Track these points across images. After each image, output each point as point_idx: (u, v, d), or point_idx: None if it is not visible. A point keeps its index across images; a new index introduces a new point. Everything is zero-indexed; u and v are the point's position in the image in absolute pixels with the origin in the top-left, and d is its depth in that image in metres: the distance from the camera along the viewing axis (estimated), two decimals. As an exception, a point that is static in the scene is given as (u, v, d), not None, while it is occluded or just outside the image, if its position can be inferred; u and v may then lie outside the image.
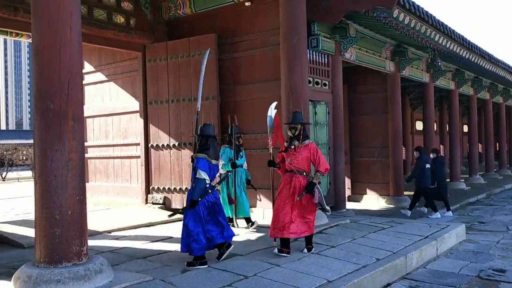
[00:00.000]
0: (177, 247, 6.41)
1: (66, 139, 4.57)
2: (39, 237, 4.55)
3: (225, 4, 8.83)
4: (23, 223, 7.88)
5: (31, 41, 9.31)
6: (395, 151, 12.45)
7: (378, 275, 5.36)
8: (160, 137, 9.64)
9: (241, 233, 7.30)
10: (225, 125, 9.04)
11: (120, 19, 9.35)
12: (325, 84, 9.65)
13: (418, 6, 9.58)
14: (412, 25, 9.75)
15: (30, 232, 7.00)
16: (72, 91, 4.63)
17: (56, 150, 4.52)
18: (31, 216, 8.61)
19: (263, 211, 8.52)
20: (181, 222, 8.48)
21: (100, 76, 10.92)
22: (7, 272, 5.08)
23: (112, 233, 7.52)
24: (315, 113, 9.33)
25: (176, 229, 7.83)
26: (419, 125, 21.44)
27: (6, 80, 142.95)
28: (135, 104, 10.16)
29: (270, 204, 8.41)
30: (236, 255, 5.83)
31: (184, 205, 9.05)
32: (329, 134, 9.68)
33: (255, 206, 8.70)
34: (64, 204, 4.53)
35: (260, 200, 8.68)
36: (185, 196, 9.25)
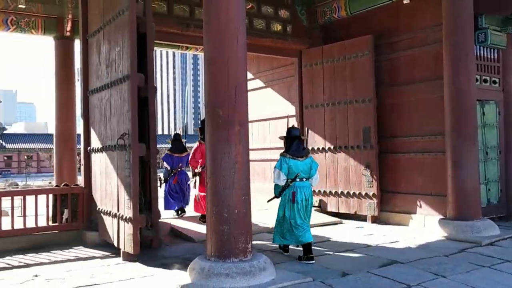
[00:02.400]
0: (336, 249, 6.45)
1: (233, 143, 4.92)
2: (210, 233, 4.96)
3: (382, 4, 8.59)
4: (193, 219, 8.62)
5: (198, 53, 10.26)
6: None
7: None
8: (315, 140, 9.76)
9: (400, 239, 7.03)
10: (383, 128, 8.81)
11: (277, 27, 9.72)
12: (494, 82, 8.77)
13: None
14: None
15: (198, 228, 7.69)
16: (239, 98, 4.96)
17: (224, 153, 4.89)
18: (198, 213, 9.41)
19: (424, 218, 8.09)
20: (337, 225, 8.56)
21: (258, 83, 11.48)
22: (183, 263, 5.64)
23: (272, 233, 7.80)
24: (483, 113, 8.53)
25: (333, 232, 7.89)
26: None
27: (174, 90, 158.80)
28: (291, 109, 10.44)
29: (432, 211, 7.98)
30: (396, 262, 5.63)
31: (339, 208, 9.10)
32: (500, 137, 8.77)
33: (414, 213, 8.30)
34: (231, 204, 4.87)
35: (420, 206, 8.24)
36: (340, 199, 9.23)
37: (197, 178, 8.41)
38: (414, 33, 8.47)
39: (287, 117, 7.42)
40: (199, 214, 8.54)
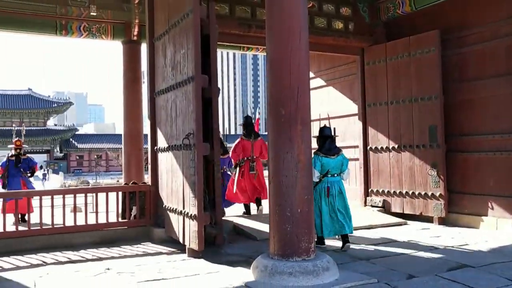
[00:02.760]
0: (400, 251, 6.29)
1: (296, 142, 4.92)
2: (273, 232, 4.99)
3: (449, -3, 8.28)
4: (255, 218, 8.70)
5: (258, 53, 10.35)
6: None
7: None
8: (378, 139, 9.56)
9: (470, 242, 6.73)
10: (450, 126, 8.48)
11: (339, 25, 9.61)
12: None
13: None
14: None
15: (260, 226, 7.75)
16: (301, 97, 4.96)
17: (287, 152, 4.91)
18: (262, 211, 9.49)
19: (496, 221, 7.69)
20: (402, 227, 8.33)
21: (319, 82, 11.39)
22: (245, 261, 5.72)
23: (333, 233, 7.74)
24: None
25: (397, 232, 7.69)
26: None
27: (234, 90, 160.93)
28: (353, 107, 10.29)
29: (505, 214, 7.58)
30: (467, 266, 5.40)
31: (404, 209, 8.85)
32: None
33: (485, 215, 7.92)
34: (294, 203, 4.87)
35: (492, 208, 7.84)
36: (405, 200, 8.98)
37: (237, 169, 8.85)
38: (484, 27, 8.06)
39: (328, 118, 7.88)
40: (263, 213, 8.66)
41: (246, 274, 5.05)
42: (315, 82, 11.51)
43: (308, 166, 5.04)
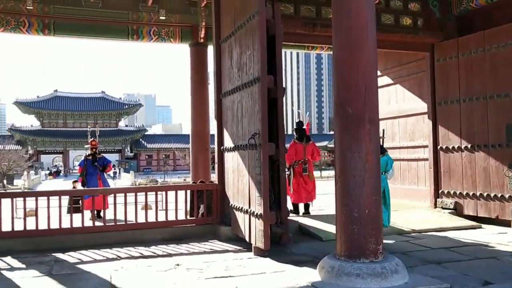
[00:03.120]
0: (474, 255, 6.01)
1: (363, 141, 4.83)
2: (340, 232, 4.94)
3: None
4: (319, 218, 8.66)
5: (323, 52, 10.28)
6: None
7: None
8: (450, 138, 9.17)
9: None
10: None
11: (407, 21, 9.33)
12: None
13: None
14: None
15: (325, 227, 7.69)
16: (368, 96, 4.87)
17: (354, 152, 4.83)
18: (325, 212, 9.45)
19: None
20: (476, 230, 7.95)
21: (386, 80, 11.12)
22: (311, 261, 5.69)
23: (402, 235, 7.54)
24: None
25: (471, 236, 7.35)
26: None
27: (298, 90, 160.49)
28: (422, 106, 9.95)
29: None
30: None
31: (478, 211, 8.44)
32: None
33: None
34: (361, 203, 4.79)
35: None
36: (479, 202, 8.56)
37: (291, 171, 9.21)
38: None
39: (383, 132, 8.14)
40: (327, 213, 8.65)
41: (312, 274, 5.03)
42: (381, 80, 11.26)
43: (376, 167, 4.93)
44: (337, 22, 5.06)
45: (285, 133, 6.58)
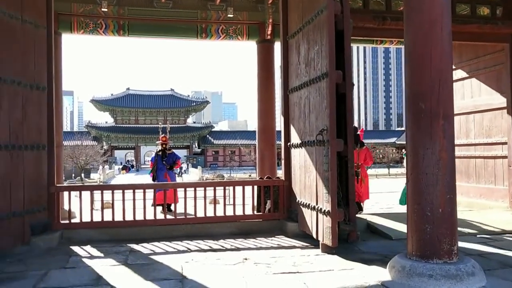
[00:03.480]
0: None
1: (437, 138, 4.65)
2: (411, 231, 4.79)
3: None
4: (388, 216, 8.44)
5: (392, 46, 9.99)
6: None
7: None
8: (531, 135, 8.61)
9: None
10: None
11: (484, 10, 8.86)
12: None
13: None
14: None
15: (395, 225, 7.50)
16: (443, 91, 4.67)
17: (427, 149, 4.66)
18: (393, 210, 9.20)
19: None
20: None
21: (460, 73, 10.61)
22: (380, 260, 5.57)
23: (478, 236, 7.17)
24: None
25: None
26: None
27: (365, 85, 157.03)
28: (500, 100, 9.40)
29: None
30: None
31: None
32: None
33: None
34: (435, 202, 4.62)
35: None
36: None
37: None
38: None
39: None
40: (396, 211, 8.41)
41: (382, 273, 4.92)
42: (455, 74, 10.79)
43: (451, 164, 4.72)
44: (409, 14, 4.89)
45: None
